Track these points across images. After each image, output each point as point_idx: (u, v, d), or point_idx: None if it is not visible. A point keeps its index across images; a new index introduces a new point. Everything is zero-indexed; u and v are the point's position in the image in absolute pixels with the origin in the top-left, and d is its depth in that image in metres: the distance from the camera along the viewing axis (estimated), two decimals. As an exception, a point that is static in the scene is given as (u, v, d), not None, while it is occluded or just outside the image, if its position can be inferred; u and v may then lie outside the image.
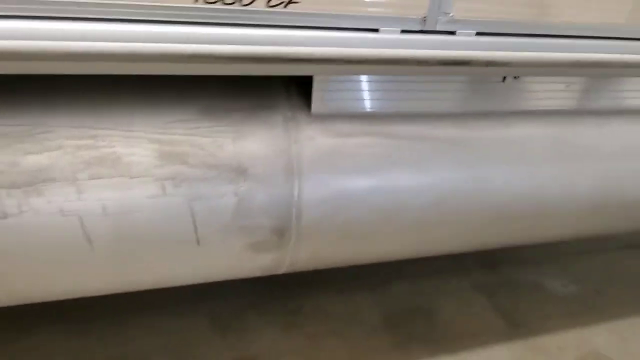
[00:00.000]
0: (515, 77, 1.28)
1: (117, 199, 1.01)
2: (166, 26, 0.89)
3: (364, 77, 1.14)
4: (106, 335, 1.67)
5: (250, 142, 1.09)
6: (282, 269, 1.28)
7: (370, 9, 1.00)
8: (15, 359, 1.55)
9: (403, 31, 1.03)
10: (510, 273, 2.25)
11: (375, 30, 1.01)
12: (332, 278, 2.00)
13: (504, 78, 1.28)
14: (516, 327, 1.96)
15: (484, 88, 1.28)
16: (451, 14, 1.04)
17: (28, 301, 1.11)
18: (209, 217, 1.08)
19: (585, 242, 2.31)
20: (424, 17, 1.03)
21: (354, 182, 1.17)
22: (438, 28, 1.05)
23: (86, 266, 1.05)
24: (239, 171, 1.08)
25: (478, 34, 1.08)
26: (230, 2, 0.92)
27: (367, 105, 1.17)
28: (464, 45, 1.07)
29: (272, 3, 0.94)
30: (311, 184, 1.13)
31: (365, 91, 1.16)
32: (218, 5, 0.92)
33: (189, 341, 1.70)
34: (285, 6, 0.95)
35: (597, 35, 1.16)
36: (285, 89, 1.18)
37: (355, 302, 1.97)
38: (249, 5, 0.93)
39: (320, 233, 1.20)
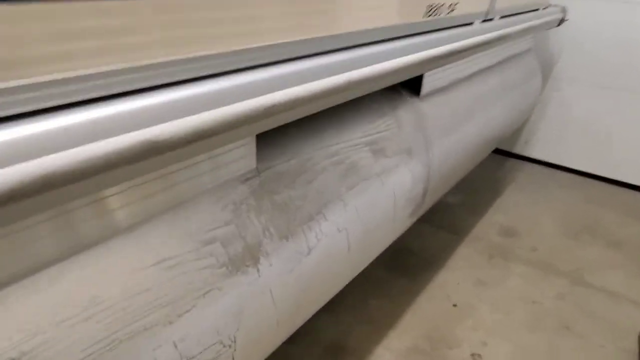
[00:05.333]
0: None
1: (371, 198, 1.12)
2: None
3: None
4: None
5: (406, 126, 1.32)
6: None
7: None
8: None
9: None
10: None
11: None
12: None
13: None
14: (454, 233, 2.64)
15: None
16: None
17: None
18: (400, 197, 1.28)
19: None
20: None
21: (450, 137, 1.53)
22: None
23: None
24: (409, 152, 1.30)
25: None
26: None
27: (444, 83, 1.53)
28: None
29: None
30: (437, 146, 1.44)
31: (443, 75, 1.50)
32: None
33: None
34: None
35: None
36: (392, 88, 1.42)
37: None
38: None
39: (435, 185, 1.52)
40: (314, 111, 0.88)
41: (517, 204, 2.97)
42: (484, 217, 2.81)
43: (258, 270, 0.84)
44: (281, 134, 0.99)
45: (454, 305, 2.11)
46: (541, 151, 3.43)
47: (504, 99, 2.02)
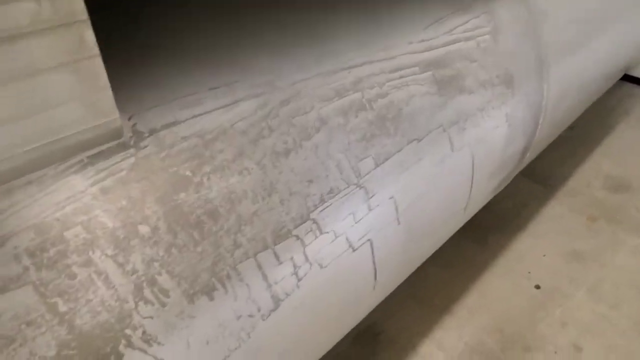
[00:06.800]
0: None
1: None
2: None
3: None
4: None
5: (506, 33, 0.70)
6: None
7: None
8: None
9: None
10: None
11: None
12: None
13: None
14: (543, 183, 2.01)
15: None
16: None
17: None
18: (482, 166, 0.70)
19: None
20: None
21: (576, 56, 0.88)
22: None
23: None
24: (508, 82, 0.70)
25: None
26: None
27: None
28: None
29: None
30: (555, 72, 0.81)
31: None
32: None
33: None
34: None
35: None
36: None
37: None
38: None
39: (543, 137, 0.91)
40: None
41: (632, 147, 2.23)
42: (586, 163, 2.13)
43: (116, 387, 0.34)
44: (209, 38, 0.43)
45: (537, 287, 1.57)
46: (674, 74, 2.56)
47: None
